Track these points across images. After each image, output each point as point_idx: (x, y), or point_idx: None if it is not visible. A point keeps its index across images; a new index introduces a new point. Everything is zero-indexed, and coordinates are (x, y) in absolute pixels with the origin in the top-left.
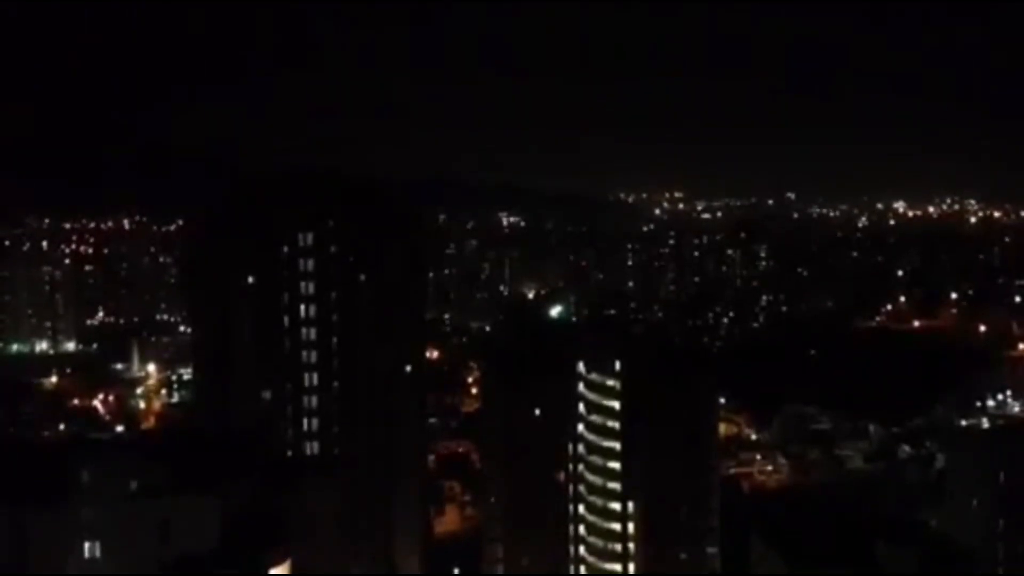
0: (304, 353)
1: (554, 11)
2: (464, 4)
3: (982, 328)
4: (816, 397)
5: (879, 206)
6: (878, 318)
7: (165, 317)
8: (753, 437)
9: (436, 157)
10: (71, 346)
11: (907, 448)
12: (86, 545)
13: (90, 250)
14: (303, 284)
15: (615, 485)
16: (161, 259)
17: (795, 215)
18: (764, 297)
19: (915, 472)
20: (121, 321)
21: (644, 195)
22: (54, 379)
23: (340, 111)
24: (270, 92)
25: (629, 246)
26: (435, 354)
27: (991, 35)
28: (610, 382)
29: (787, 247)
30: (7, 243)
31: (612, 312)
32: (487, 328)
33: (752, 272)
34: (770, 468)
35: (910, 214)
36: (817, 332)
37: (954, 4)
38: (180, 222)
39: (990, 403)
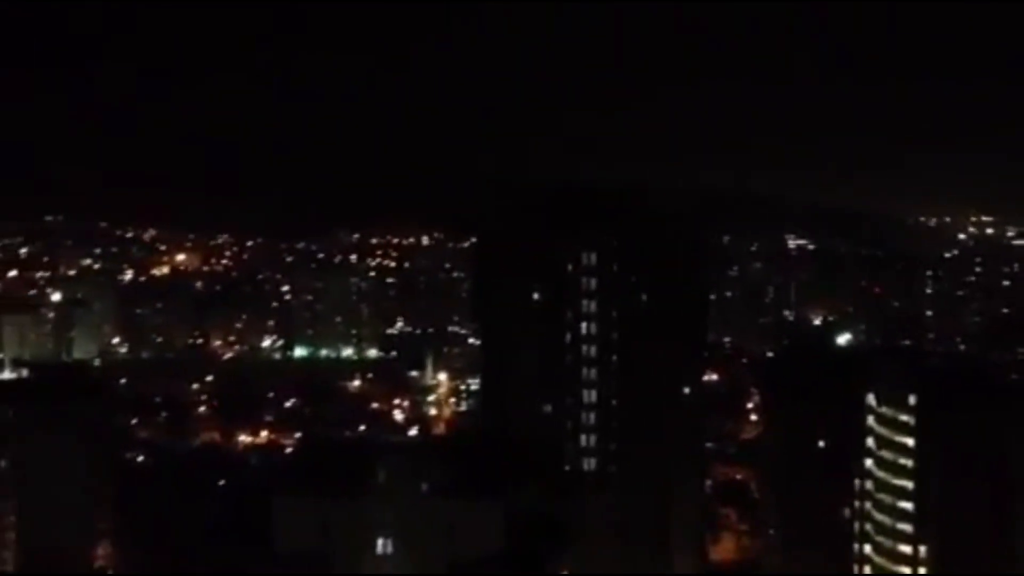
0: (584, 370)
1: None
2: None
3: None
4: None
5: None
6: None
7: (457, 329)
8: None
9: (720, 170)
10: (373, 353)
11: None
12: (380, 541)
13: (392, 264)
14: (585, 302)
15: (906, 527)
16: (455, 274)
17: None
18: None
19: None
20: (417, 331)
21: (947, 218)
22: (357, 383)
23: (624, 121)
24: (550, 112)
25: (929, 272)
26: (715, 377)
27: None
28: (903, 417)
29: None
30: (321, 255)
31: (907, 342)
32: (770, 353)
33: None
34: None
35: None
36: None
37: None
38: (473, 239)
39: None
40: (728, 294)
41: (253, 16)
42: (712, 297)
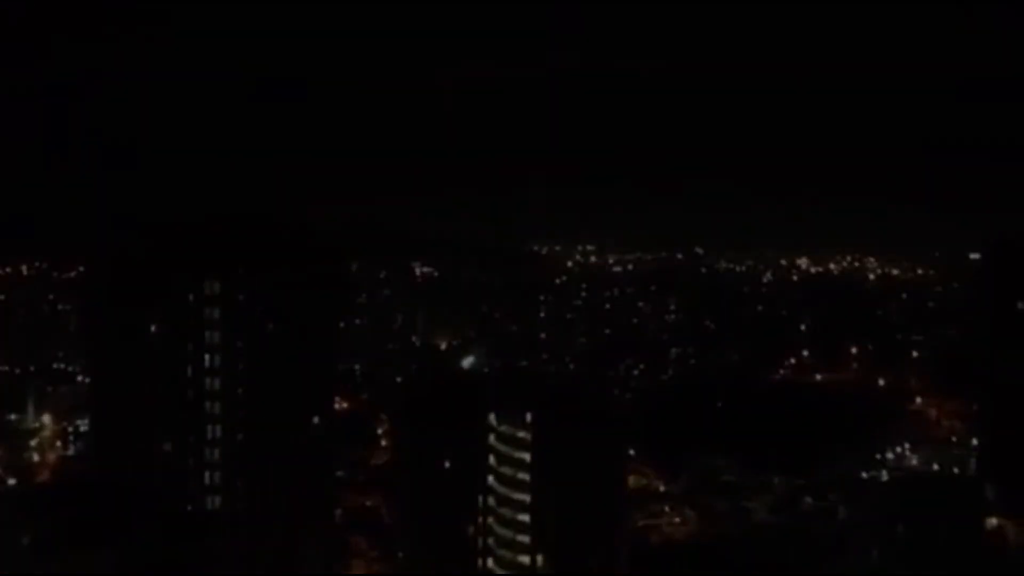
0: (208, 404)
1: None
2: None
3: (882, 382)
4: (723, 449)
5: (783, 262)
6: (782, 371)
7: (63, 366)
8: (662, 489)
9: (349, 202)
10: None
11: (810, 500)
12: None
13: None
14: (208, 333)
15: (524, 538)
16: (60, 306)
17: (703, 269)
18: (673, 349)
19: (818, 524)
20: (16, 370)
21: (557, 247)
22: None
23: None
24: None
25: (542, 297)
26: (344, 405)
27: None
28: (520, 434)
29: (695, 301)
30: None
31: (524, 363)
32: (398, 379)
33: (662, 324)
34: (678, 520)
35: (813, 270)
36: (724, 384)
37: (868, 76)
38: (81, 268)
39: (890, 456)
40: (357, 321)
41: None
42: (341, 324)
